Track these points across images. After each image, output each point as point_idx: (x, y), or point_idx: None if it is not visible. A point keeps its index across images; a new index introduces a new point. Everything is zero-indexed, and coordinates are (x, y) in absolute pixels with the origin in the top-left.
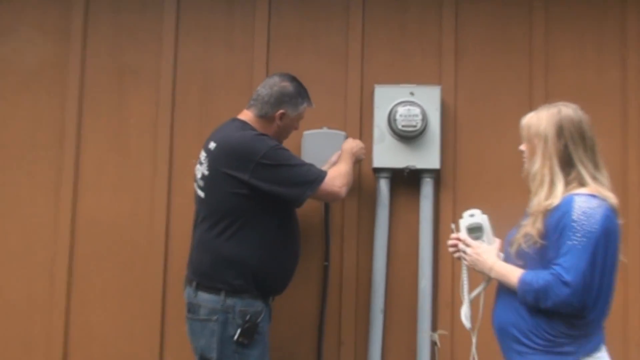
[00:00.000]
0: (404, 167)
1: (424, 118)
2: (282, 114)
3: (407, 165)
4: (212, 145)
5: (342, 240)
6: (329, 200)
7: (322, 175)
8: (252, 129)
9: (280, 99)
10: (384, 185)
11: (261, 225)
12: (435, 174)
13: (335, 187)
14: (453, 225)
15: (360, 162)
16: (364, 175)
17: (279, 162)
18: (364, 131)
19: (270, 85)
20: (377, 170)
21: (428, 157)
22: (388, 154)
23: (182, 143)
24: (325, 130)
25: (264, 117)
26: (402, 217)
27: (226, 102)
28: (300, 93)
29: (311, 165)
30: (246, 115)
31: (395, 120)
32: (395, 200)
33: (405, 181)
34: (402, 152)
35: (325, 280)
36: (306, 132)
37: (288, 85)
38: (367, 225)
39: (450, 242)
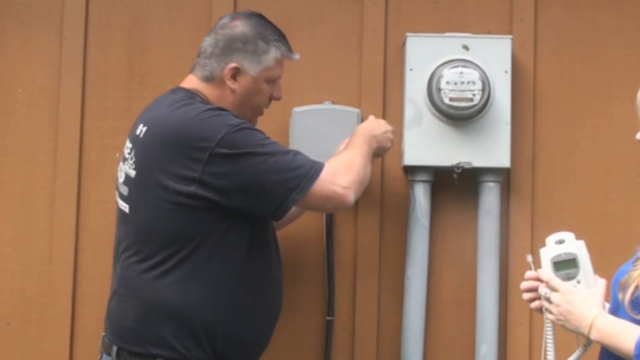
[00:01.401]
0: (453, 166)
1: (486, 87)
2: (234, 71)
3: (458, 162)
4: (140, 130)
5: (354, 281)
6: (327, 209)
7: (316, 167)
8: (202, 101)
9: (228, 47)
10: (421, 195)
11: (219, 256)
12: (504, 177)
13: (338, 186)
14: (530, 258)
15: (383, 154)
16: (389, 179)
17: (245, 150)
18: (388, 108)
19: (215, 31)
20: (411, 171)
21: (492, 150)
22: (427, 145)
23: (98, 127)
24: (327, 106)
25: (210, 79)
26: (450, 243)
27: (169, 59)
28: (261, 34)
29: (297, 153)
30: (190, 81)
31: (439, 90)
32: (438, 218)
33: (455, 188)
34: (451, 142)
35: (328, 343)
36: (296, 109)
37: (240, 25)
38: (395, 256)
39: (525, 284)
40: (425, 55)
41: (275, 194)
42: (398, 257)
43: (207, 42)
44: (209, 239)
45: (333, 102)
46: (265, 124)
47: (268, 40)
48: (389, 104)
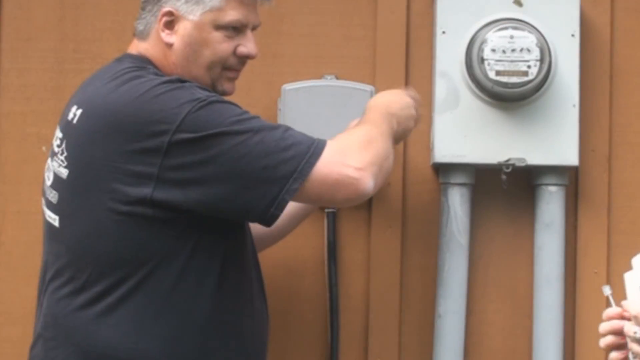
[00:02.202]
0: (500, 164)
1: (545, 57)
2: (167, 16)
3: (507, 159)
4: (73, 113)
5: (365, 320)
6: (337, 201)
7: (317, 143)
8: (157, 72)
9: None
10: (457, 203)
11: (183, 286)
12: (570, 179)
13: (350, 167)
14: (609, 290)
15: (405, 137)
16: (414, 182)
17: (217, 130)
18: (412, 85)
19: None
20: (443, 171)
21: (553, 143)
22: (465, 136)
23: (17, 112)
24: (328, 82)
25: (147, 35)
26: (497, 269)
27: (114, 18)
28: None
29: (288, 128)
30: (135, 45)
31: (482, 61)
32: (481, 234)
33: (504, 194)
34: (497, 132)
35: None
36: (287, 87)
37: None
38: (422, 287)
39: (606, 326)
40: (463, 12)
41: (265, 184)
42: (426, 288)
43: None
44: (169, 262)
45: (337, 77)
46: (245, 105)
47: None
48: (414, 80)
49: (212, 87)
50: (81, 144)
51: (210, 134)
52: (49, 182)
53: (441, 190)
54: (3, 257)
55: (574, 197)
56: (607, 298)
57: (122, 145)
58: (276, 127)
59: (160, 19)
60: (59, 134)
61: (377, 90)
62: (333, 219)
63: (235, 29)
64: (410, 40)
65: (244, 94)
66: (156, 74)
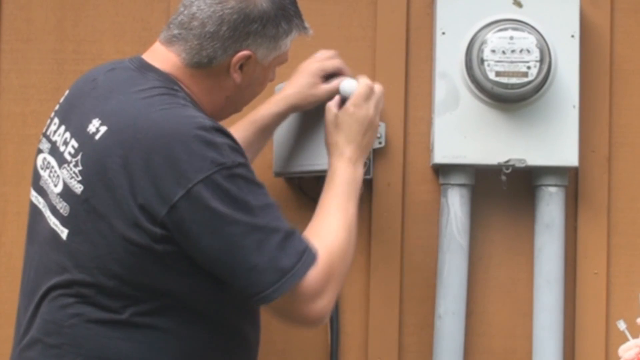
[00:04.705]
0: (500, 165)
1: (545, 57)
2: (246, 59)
3: (507, 160)
4: (95, 127)
5: (365, 321)
6: (288, 321)
7: (303, 263)
8: (185, 97)
9: (243, 28)
10: (457, 204)
11: (195, 317)
12: (570, 180)
13: (317, 310)
14: (623, 325)
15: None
16: (414, 182)
17: (224, 211)
18: (412, 86)
19: None
20: (443, 172)
21: (553, 143)
22: (465, 137)
23: (17, 113)
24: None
25: (207, 66)
26: (497, 270)
27: (114, 19)
28: (284, 10)
29: (289, 234)
30: (168, 61)
31: (482, 62)
32: (481, 235)
33: (504, 195)
34: (497, 133)
35: None
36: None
37: None
38: (421, 287)
39: (628, 355)
40: (463, 13)
41: (250, 281)
42: (426, 289)
43: (202, 12)
44: (183, 294)
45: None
46: (245, 108)
47: (290, 19)
48: (413, 81)
49: (234, 112)
50: (102, 164)
51: (216, 212)
52: (56, 190)
53: (441, 191)
54: (3, 258)
55: (574, 198)
56: (624, 333)
57: (143, 180)
58: (278, 229)
59: (237, 60)
60: (73, 142)
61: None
62: None
63: None
64: (410, 41)
65: None
66: (184, 100)
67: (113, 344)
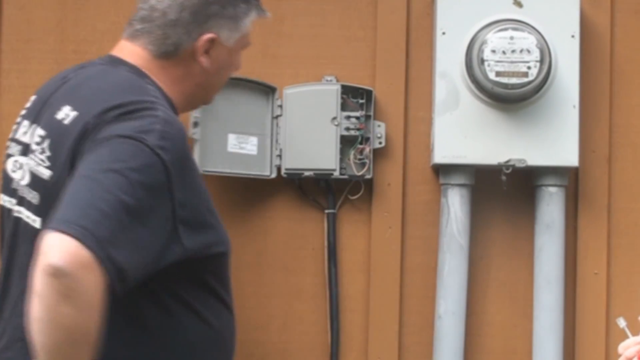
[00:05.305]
0: (500, 165)
1: (545, 57)
2: (210, 43)
3: (507, 160)
4: (65, 113)
5: (366, 321)
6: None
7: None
8: (154, 90)
9: (203, 11)
10: (457, 204)
11: (174, 306)
12: (570, 180)
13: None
14: (623, 322)
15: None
16: (414, 182)
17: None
18: (412, 86)
19: None
20: (443, 172)
21: (553, 144)
22: (465, 137)
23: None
24: (328, 85)
25: (174, 55)
26: (497, 270)
27: (115, 19)
28: None
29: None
30: (134, 54)
31: (482, 62)
32: (481, 235)
33: (504, 195)
34: (497, 133)
35: None
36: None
37: None
38: (422, 288)
39: (629, 352)
40: (463, 13)
41: None
42: (426, 289)
43: (162, 3)
44: (159, 282)
45: (337, 78)
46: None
47: (247, 0)
48: (414, 81)
49: (206, 103)
50: (71, 147)
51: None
52: (23, 182)
53: (441, 191)
54: None
55: (574, 198)
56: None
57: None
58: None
59: (202, 44)
60: (40, 131)
61: (377, 92)
62: (333, 220)
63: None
64: (410, 41)
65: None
66: (154, 93)
67: (101, 342)
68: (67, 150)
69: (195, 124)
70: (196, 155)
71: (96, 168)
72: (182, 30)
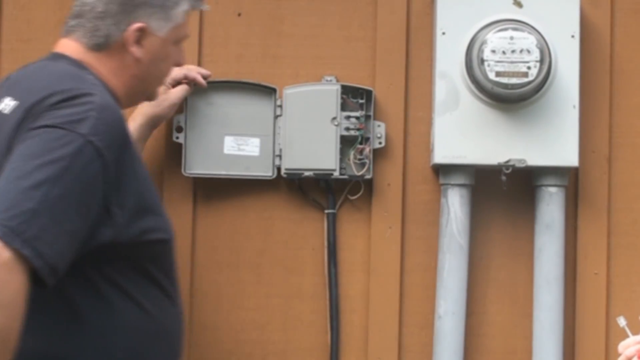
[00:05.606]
0: (500, 165)
1: (545, 57)
2: (140, 33)
3: (507, 160)
4: (5, 104)
5: (366, 321)
6: None
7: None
8: (94, 79)
9: (129, 1)
10: (457, 204)
11: (107, 290)
12: (570, 180)
13: None
14: (623, 321)
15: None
16: (414, 182)
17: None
18: (412, 86)
19: None
20: (443, 172)
21: (553, 144)
22: (465, 137)
23: None
24: (328, 85)
25: (105, 46)
26: (497, 270)
27: None
28: None
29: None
30: (70, 48)
31: (482, 62)
32: (480, 235)
33: (504, 195)
34: (497, 133)
35: None
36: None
37: None
38: (422, 288)
39: (629, 351)
40: (463, 14)
41: None
42: (426, 289)
43: None
44: (92, 268)
45: (337, 79)
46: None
47: None
48: (414, 81)
49: (149, 97)
50: (11, 137)
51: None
52: None
53: (441, 191)
54: None
55: (574, 198)
56: (624, 330)
57: None
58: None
59: (131, 34)
60: None
61: (377, 92)
62: (333, 220)
63: (181, 42)
64: (410, 41)
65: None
66: (93, 83)
67: (26, 336)
68: (6, 139)
69: (179, 129)
70: (183, 159)
71: (24, 161)
72: (110, 21)
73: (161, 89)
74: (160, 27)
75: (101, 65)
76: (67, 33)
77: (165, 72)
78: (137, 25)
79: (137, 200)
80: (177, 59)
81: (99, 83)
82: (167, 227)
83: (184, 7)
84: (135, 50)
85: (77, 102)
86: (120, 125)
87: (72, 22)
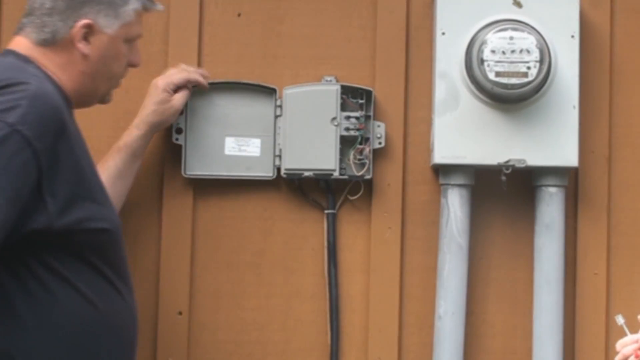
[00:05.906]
0: (500, 165)
1: (545, 58)
2: (86, 29)
3: (507, 160)
4: None
5: (366, 321)
6: None
7: None
8: (36, 69)
9: None
10: (457, 204)
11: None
12: (570, 180)
13: None
14: (621, 320)
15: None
16: (414, 182)
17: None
18: (412, 86)
19: None
20: (443, 172)
21: (553, 144)
22: (465, 137)
23: None
24: (327, 85)
25: (52, 42)
26: (496, 270)
27: None
28: None
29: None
30: (20, 44)
31: (481, 62)
32: (480, 236)
33: (504, 196)
34: (497, 133)
35: None
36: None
37: None
38: (421, 288)
39: (626, 350)
40: (463, 13)
41: None
42: (426, 289)
43: None
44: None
45: (337, 79)
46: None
47: None
48: (413, 81)
49: (102, 98)
50: None
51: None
52: None
53: (441, 191)
54: None
55: (574, 198)
56: (622, 327)
57: None
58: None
59: (78, 31)
60: None
61: (377, 92)
62: (333, 220)
63: (133, 41)
64: (410, 42)
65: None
66: (35, 73)
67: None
68: None
69: (179, 130)
70: (183, 160)
71: None
72: (58, 17)
73: (165, 95)
74: (108, 25)
75: (48, 60)
76: (19, 30)
77: (117, 72)
78: (83, 21)
79: (73, 189)
80: (132, 59)
81: (42, 75)
82: (111, 217)
83: (134, 5)
84: (82, 46)
85: (9, 90)
86: (54, 114)
87: (24, 20)
